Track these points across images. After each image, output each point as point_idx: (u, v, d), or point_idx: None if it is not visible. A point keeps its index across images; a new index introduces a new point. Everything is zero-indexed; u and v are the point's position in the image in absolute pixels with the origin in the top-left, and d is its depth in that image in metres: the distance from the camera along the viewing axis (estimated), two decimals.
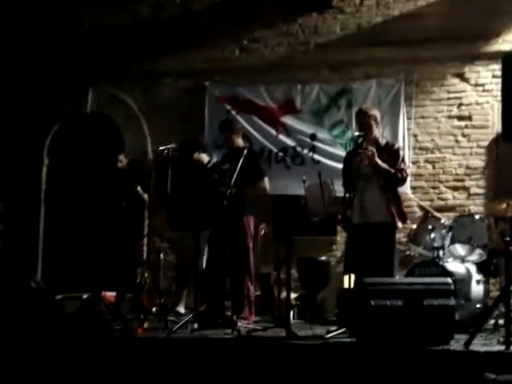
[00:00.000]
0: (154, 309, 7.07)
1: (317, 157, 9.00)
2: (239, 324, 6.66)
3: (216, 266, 7.19)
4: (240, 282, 7.14)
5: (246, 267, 7.15)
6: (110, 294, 7.86)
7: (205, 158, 7.79)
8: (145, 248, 8.15)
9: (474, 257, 7.18)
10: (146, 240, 7.92)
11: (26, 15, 10.08)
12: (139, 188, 7.88)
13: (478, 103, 8.73)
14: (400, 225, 6.66)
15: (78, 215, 9.25)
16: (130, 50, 9.75)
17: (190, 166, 7.67)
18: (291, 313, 7.01)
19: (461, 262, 7.12)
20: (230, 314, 6.95)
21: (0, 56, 9.98)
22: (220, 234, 7.11)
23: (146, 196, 7.87)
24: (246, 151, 7.07)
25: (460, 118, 8.77)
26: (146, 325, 6.65)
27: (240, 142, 7.49)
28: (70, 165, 9.84)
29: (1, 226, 9.85)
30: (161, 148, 7.51)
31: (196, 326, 6.54)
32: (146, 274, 7.24)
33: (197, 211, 6.81)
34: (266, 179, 7.28)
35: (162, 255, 7.86)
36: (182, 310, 7.68)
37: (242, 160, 6.88)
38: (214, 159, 7.92)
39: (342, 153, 8.55)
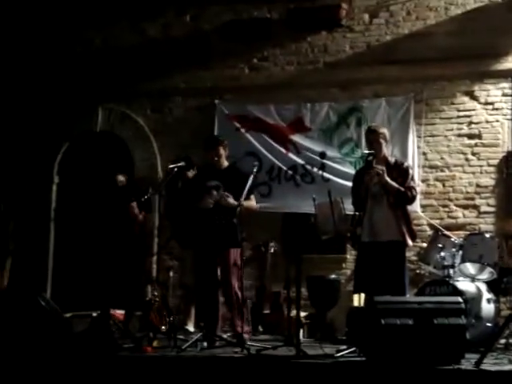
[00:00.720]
0: (163, 327, 7.05)
1: (326, 175, 9.00)
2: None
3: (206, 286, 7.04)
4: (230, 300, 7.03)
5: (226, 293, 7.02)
6: (119, 312, 7.86)
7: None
8: (154, 266, 8.14)
9: (485, 275, 7.15)
10: (155, 258, 7.91)
11: (37, 34, 10.15)
12: (134, 204, 7.84)
13: (487, 121, 8.72)
14: (410, 243, 6.63)
15: (88, 233, 9.25)
16: (140, 69, 9.80)
17: (183, 183, 7.63)
18: (301, 331, 6.98)
19: (471, 280, 7.10)
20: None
21: (12, 74, 10.04)
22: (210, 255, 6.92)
23: (139, 215, 7.86)
24: (233, 168, 7.10)
25: (470, 136, 8.76)
26: (155, 343, 6.64)
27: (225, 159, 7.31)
28: (79, 183, 9.86)
29: (11, 245, 9.86)
30: (170, 166, 7.52)
31: (205, 344, 6.52)
32: (155, 292, 7.23)
33: (208, 230, 6.80)
34: (253, 197, 7.14)
35: (171, 273, 7.86)
36: (191, 328, 7.66)
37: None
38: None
39: (351, 171, 8.56)
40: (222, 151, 7.21)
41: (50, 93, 10.00)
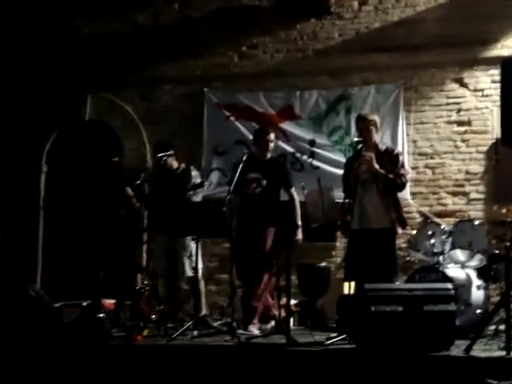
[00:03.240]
0: (153, 316, 7.05)
1: (316, 163, 9.00)
2: (240, 331, 6.70)
3: (244, 273, 7.23)
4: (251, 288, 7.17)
5: (259, 277, 7.13)
6: (110, 302, 7.84)
7: (174, 163, 7.75)
8: (144, 255, 8.12)
9: (474, 262, 7.17)
10: (145, 247, 7.89)
11: (25, 22, 10.08)
12: (128, 189, 7.84)
13: (477, 108, 8.72)
14: (400, 230, 6.65)
15: (77, 222, 9.23)
16: (129, 58, 9.75)
17: (158, 170, 7.64)
18: (291, 319, 6.99)
19: (461, 267, 7.11)
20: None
21: None
22: (245, 241, 7.17)
23: (134, 199, 7.88)
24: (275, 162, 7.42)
25: (459, 123, 8.77)
26: (145, 332, 6.63)
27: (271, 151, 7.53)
28: (68, 172, 9.82)
29: (0, 234, 9.83)
30: (159, 155, 7.50)
31: (196, 333, 6.53)
32: (145, 282, 7.23)
33: (196, 218, 6.82)
34: (294, 189, 7.34)
35: None
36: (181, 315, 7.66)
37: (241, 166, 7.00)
38: (182, 165, 7.86)
39: (341, 158, 8.57)
40: (268, 143, 7.38)
41: (39, 81, 9.94)
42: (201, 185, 7.45)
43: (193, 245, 7.13)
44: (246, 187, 7.20)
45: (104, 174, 8.24)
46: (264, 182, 7.24)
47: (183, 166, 7.81)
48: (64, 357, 6.02)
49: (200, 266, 7.52)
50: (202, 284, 7.61)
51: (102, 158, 8.66)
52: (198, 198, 7.47)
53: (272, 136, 7.46)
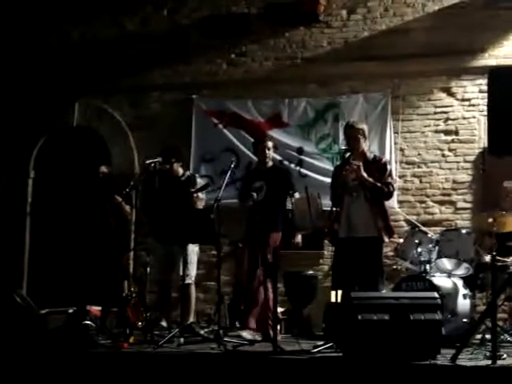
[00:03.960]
0: (139, 323, 7.02)
1: (304, 171, 9.00)
2: (244, 334, 6.88)
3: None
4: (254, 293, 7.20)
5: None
6: (96, 309, 7.81)
7: (180, 170, 7.78)
8: (131, 262, 8.10)
9: (461, 271, 7.19)
10: (132, 254, 7.87)
11: (13, 27, 10.06)
12: (119, 198, 7.83)
13: (464, 118, 8.76)
14: (387, 239, 6.67)
15: (64, 229, 9.19)
16: (118, 64, 9.74)
17: (165, 176, 7.65)
18: (278, 327, 6.98)
19: (447, 276, 7.13)
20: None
21: None
22: (255, 246, 7.23)
23: (127, 208, 7.88)
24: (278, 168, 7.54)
25: (447, 132, 8.80)
26: (131, 339, 6.61)
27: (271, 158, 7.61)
28: (56, 178, 9.79)
29: None
30: (147, 162, 7.49)
31: (182, 340, 6.51)
32: (131, 288, 7.21)
33: (184, 224, 6.80)
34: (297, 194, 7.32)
35: (148, 269, 7.82)
36: (164, 323, 7.64)
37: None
38: (188, 172, 7.90)
39: (328, 167, 8.59)
40: (265, 150, 7.51)
41: (27, 86, 9.91)
42: (207, 186, 7.43)
43: (191, 252, 7.22)
44: (252, 195, 7.22)
45: (92, 181, 8.22)
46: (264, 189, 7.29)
47: (188, 173, 7.86)
48: (49, 364, 5.98)
49: (193, 273, 7.53)
50: (193, 291, 7.62)
51: (89, 165, 8.64)
52: (200, 204, 7.46)
53: (269, 144, 7.57)
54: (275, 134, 9.15)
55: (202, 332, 7.21)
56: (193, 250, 7.53)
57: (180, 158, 7.82)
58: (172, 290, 7.75)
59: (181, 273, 7.23)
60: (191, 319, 7.50)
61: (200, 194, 7.45)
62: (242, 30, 9.50)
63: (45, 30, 10.04)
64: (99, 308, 7.78)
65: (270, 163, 7.57)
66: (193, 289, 7.63)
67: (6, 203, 9.81)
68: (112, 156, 9.66)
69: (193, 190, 7.42)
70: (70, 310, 7.53)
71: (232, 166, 7.23)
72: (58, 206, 9.54)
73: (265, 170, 7.48)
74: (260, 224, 7.02)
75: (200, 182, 7.64)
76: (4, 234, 9.73)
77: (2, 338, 6.35)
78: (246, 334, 6.96)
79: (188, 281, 7.36)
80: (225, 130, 9.33)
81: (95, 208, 7.97)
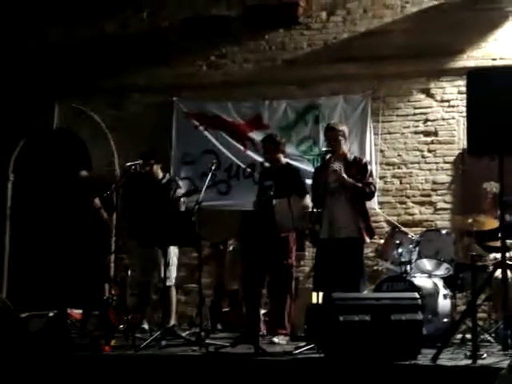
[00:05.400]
0: (121, 326, 7.01)
1: None
2: (276, 340, 6.77)
3: (253, 281, 7.14)
4: (282, 297, 7.09)
5: (287, 283, 7.11)
6: (77, 312, 7.78)
7: (160, 173, 7.77)
8: (112, 265, 8.08)
9: (441, 271, 7.22)
10: (113, 257, 7.85)
11: None
12: (97, 201, 7.81)
13: (443, 119, 8.80)
14: (368, 240, 6.70)
15: (44, 232, 9.14)
16: (98, 66, 9.71)
17: (144, 179, 7.63)
18: (261, 328, 6.99)
19: (428, 276, 7.16)
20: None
21: None
22: (258, 247, 7.03)
23: (105, 214, 7.86)
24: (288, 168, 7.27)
25: (426, 133, 8.84)
26: (113, 342, 6.58)
27: (282, 158, 7.42)
28: (36, 181, 9.74)
29: None
30: (128, 164, 7.48)
31: (164, 343, 6.50)
32: (113, 291, 7.19)
33: (165, 227, 6.79)
34: (308, 196, 7.13)
35: (129, 272, 7.81)
36: (145, 326, 7.63)
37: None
38: (167, 175, 7.89)
39: (309, 168, 8.59)
40: (275, 151, 7.30)
41: (6, 88, 9.85)
42: (195, 191, 7.37)
43: (173, 254, 7.27)
44: (263, 195, 7.12)
45: (72, 184, 8.19)
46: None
47: (168, 176, 7.84)
48: (30, 367, 5.95)
49: (174, 275, 7.52)
50: (173, 294, 7.61)
51: (69, 167, 8.60)
52: (183, 207, 7.44)
53: (277, 139, 7.41)
54: (255, 135, 9.17)
55: (183, 334, 7.20)
56: (173, 251, 7.53)
57: (159, 160, 7.81)
58: (152, 292, 7.74)
59: (162, 275, 7.21)
60: (172, 322, 7.49)
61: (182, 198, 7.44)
62: (222, 32, 9.51)
63: (24, 32, 9.98)
64: (80, 311, 7.76)
65: (283, 161, 7.40)
66: (173, 291, 7.63)
67: None
68: (92, 158, 9.63)
69: (182, 194, 7.38)
70: (51, 314, 7.50)
71: (212, 168, 7.20)
72: (38, 209, 9.48)
73: (276, 170, 7.30)
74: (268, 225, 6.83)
75: (183, 184, 7.62)
76: None
77: None
78: (278, 340, 6.88)
79: (168, 283, 7.35)
80: (205, 132, 9.33)
81: (75, 211, 7.94)
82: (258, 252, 6.99)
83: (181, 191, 7.53)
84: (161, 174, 7.78)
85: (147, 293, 7.70)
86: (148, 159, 7.63)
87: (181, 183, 7.69)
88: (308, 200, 7.10)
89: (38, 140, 9.96)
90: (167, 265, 7.15)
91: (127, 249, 7.93)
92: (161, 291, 7.25)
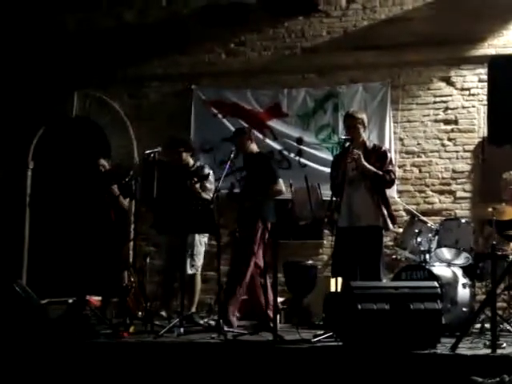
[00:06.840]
0: (139, 313, 7.03)
1: (303, 160, 9.01)
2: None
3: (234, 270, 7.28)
4: (233, 286, 7.19)
5: (242, 272, 7.17)
6: (96, 299, 7.82)
7: (190, 160, 7.77)
8: (131, 252, 8.11)
9: (460, 260, 7.19)
10: (132, 244, 7.87)
11: (10, 19, 10.03)
12: (117, 191, 7.82)
13: (464, 107, 8.76)
14: (391, 227, 6.67)
15: (64, 219, 9.19)
16: (117, 54, 9.72)
17: (174, 165, 7.63)
18: (278, 317, 6.99)
19: (447, 265, 7.13)
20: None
21: None
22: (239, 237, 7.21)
23: (125, 201, 7.87)
24: (259, 156, 7.34)
25: (446, 122, 8.80)
26: (131, 329, 6.62)
27: (254, 147, 7.49)
28: (55, 169, 9.78)
29: None
30: (147, 152, 7.48)
31: (182, 330, 6.51)
32: (131, 279, 7.21)
33: (184, 215, 6.79)
34: (281, 181, 7.24)
35: (147, 259, 7.83)
36: (164, 313, 7.65)
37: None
38: (198, 163, 7.90)
39: (328, 156, 8.58)
40: (244, 141, 7.40)
41: (26, 77, 9.89)
42: (206, 177, 7.37)
43: (198, 243, 7.30)
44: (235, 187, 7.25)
45: (91, 172, 8.21)
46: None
47: (198, 163, 7.83)
48: (50, 354, 5.99)
49: (199, 263, 7.53)
50: (198, 281, 7.62)
51: (89, 155, 8.63)
52: (209, 194, 7.40)
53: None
54: (274, 123, 9.17)
55: (201, 322, 7.22)
56: (200, 240, 7.52)
57: (189, 148, 7.79)
58: (176, 280, 7.71)
59: (187, 264, 7.25)
60: (193, 309, 7.50)
61: (208, 185, 7.41)
62: (241, 19, 9.47)
63: (43, 21, 10.00)
64: (99, 298, 7.80)
65: (253, 150, 7.48)
66: (198, 279, 7.62)
67: (5, 194, 9.80)
68: (111, 146, 9.66)
69: (195, 179, 7.38)
70: (70, 300, 7.54)
71: (231, 156, 7.18)
72: (58, 197, 9.53)
73: (246, 159, 7.41)
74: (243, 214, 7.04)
75: (208, 172, 7.56)
76: (3, 226, 9.73)
77: (3, 329, 6.35)
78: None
79: (194, 271, 7.37)
80: (224, 120, 9.32)
81: (94, 199, 7.96)
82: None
83: (210, 178, 7.47)
84: (191, 162, 7.75)
85: (171, 281, 7.65)
86: (176, 147, 7.60)
87: (206, 170, 7.58)
88: (281, 185, 7.21)
89: (58, 128, 10.00)
90: (192, 253, 7.21)
91: (150, 236, 7.95)
92: (182, 279, 7.20)
